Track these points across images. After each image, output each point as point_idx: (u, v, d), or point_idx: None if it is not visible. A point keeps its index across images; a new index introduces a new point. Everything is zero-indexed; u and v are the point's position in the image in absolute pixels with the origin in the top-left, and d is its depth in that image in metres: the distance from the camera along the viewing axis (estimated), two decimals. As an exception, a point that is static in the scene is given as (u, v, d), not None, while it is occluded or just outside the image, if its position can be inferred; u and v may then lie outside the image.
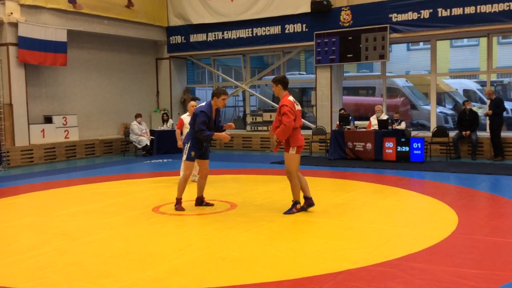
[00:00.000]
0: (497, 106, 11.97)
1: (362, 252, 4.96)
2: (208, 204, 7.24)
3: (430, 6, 12.72)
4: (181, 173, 9.27)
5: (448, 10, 12.50)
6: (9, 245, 5.54)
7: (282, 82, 6.66)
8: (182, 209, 6.99)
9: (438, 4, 12.62)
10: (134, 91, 16.54)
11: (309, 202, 6.77)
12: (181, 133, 9.41)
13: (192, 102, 9.73)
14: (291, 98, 6.62)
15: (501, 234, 5.66)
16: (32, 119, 13.35)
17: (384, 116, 12.77)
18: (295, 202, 6.69)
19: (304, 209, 6.76)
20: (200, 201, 7.28)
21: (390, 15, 13.26)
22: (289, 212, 6.62)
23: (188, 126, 9.33)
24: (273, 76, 17.83)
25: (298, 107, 6.66)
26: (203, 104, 7.03)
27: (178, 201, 7.07)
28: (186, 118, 9.36)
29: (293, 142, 6.54)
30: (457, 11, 12.41)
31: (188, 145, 6.97)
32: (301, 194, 6.74)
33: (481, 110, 14.14)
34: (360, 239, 5.46)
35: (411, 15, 13.00)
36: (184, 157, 7.04)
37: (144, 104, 16.78)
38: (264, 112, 16.41)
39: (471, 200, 7.59)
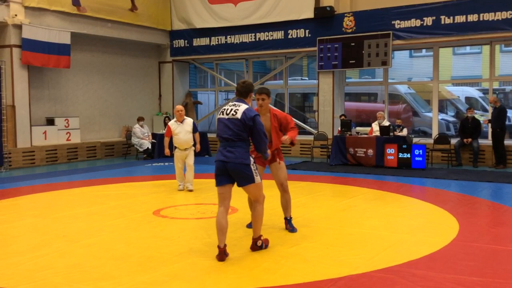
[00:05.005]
0: (498, 115, 11.91)
1: (362, 258, 4.96)
2: None
3: (433, 14, 12.74)
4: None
5: (451, 17, 12.52)
6: (10, 246, 5.55)
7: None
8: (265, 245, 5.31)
9: (441, 12, 12.64)
10: (136, 94, 16.57)
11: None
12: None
13: (178, 107, 8.76)
14: None
15: (502, 242, 5.65)
16: (34, 121, 13.38)
17: (386, 123, 12.77)
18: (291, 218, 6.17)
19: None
20: None
21: (393, 22, 13.28)
22: (294, 230, 6.04)
23: (177, 133, 8.34)
24: (275, 81, 18.03)
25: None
26: (249, 107, 5.05)
27: (260, 239, 5.26)
28: (173, 124, 8.61)
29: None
30: (460, 18, 12.42)
31: (252, 163, 5.02)
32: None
33: (483, 118, 14.11)
34: (361, 245, 5.46)
35: (414, 22, 13.02)
36: (258, 178, 5.06)
37: (146, 107, 16.80)
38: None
39: (472, 208, 7.57)
